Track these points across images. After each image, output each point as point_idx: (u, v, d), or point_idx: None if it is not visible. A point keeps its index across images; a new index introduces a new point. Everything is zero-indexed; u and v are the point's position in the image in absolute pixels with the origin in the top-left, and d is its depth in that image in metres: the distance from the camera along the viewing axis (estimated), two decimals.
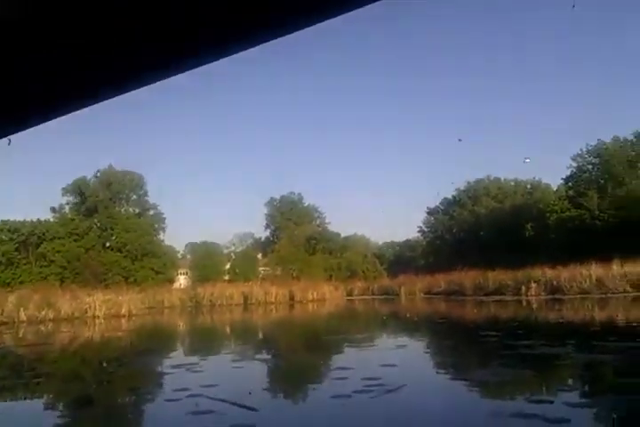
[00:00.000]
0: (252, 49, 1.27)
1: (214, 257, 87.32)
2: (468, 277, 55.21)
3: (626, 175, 67.07)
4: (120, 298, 39.66)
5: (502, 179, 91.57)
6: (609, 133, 71.36)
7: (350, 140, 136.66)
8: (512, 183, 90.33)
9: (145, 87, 1.48)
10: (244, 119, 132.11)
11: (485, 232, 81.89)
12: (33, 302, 34.55)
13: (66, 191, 74.77)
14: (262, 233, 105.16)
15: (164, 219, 79.40)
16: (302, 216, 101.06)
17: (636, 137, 69.20)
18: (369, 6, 1.23)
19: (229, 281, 74.66)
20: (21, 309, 33.46)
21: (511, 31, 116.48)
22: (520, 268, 48.89)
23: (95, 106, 1.55)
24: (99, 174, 76.43)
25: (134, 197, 78.96)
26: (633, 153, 69.26)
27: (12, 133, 1.61)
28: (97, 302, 36.88)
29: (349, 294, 70.33)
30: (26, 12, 1.15)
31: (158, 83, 1.44)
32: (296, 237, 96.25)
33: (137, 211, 79.35)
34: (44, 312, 34.20)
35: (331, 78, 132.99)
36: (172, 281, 78.76)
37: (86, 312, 36.74)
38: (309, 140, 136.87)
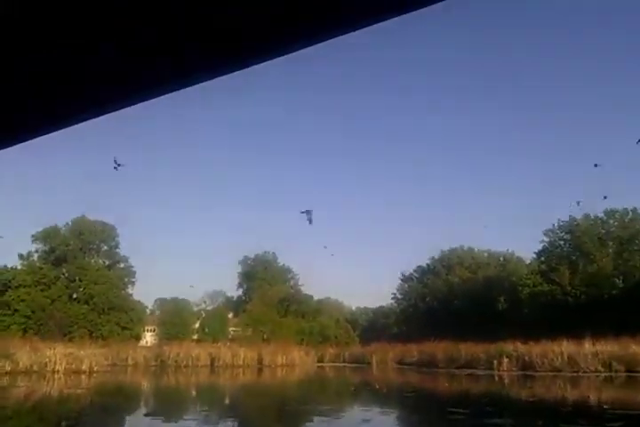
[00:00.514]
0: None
1: (184, 315, 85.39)
2: (440, 349, 54.66)
3: (596, 252, 68.53)
4: (82, 353, 38.36)
5: (476, 249, 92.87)
6: (579, 209, 73.19)
7: (328, 206, 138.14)
8: (485, 254, 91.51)
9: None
10: (221, 176, 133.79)
11: (459, 302, 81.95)
12: None
13: (36, 239, 73.29)
14: (234, 292, 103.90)
15: (134, 272, 78.18)
16: (276, 276, 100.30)
17: (606, 215, 71.33)
18: None
19: (198, 340, 72.75)
20: None
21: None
22: (492, 341, 48.73)
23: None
24: (70, 223, 75.61)
25: (105, 248, 77.97)
26: (603, 231, 71.18)
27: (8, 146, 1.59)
28: (58, 355, 35.61)
29: (320, 360, 68.80)
30: (22, 12, 1.13)
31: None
32: (269, 298, 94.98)
33: (107, 263, 78.04)
34: (0, 364, 32.85)
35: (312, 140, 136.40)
36: (138, 338, 76.50)
37: (46, 366, 35.37)
38: (285, 203, 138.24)
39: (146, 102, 1.32)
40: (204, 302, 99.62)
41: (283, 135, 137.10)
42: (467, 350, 50.91)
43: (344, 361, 67.89)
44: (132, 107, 1.37)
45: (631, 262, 65.82)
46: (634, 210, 69.95)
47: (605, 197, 55.31)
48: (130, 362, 50.58)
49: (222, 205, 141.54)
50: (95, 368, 38.30)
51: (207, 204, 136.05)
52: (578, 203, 67.62)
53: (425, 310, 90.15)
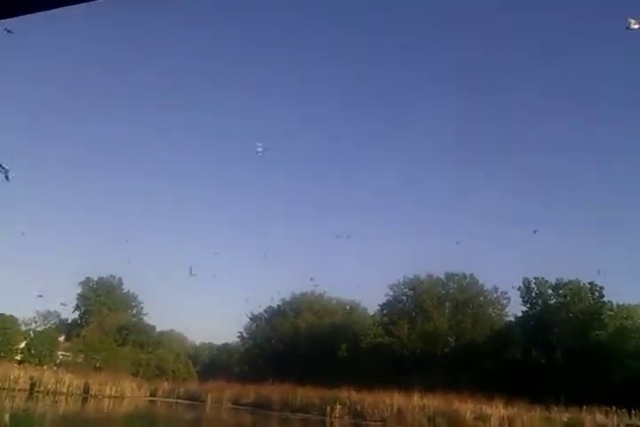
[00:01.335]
0: None
1: (8, 332, 77.67)
2: (278, 391, 54.71)
3: (434, 311, 73.35)
4: None
5: (326, 296, 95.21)
6: (425, 266, 77.84)
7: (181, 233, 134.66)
8: (334, 302, 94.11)
9: None
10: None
11: (303, 347, 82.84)
12: None
13: None
14: (70, 314, 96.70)
15: None
16: (118, 302, 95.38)
17: (446, 277, 76.97)
18: None
19: (21, 362, 66.39)
20: None
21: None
22: (330, 387, 49.75)
23: None
24: None
25: None
26: (443, 292, 76.59)
27: None
28: None
29: (153, 394, 65.65)
30: None
31: None
32: (107, 325, 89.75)
33: None
34: None
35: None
36: None
37: None
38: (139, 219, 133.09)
39: None
40: (35, 322, 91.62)
41: None
42: (304, 394, 51.48)
43: (178, 397, 65.29)
44: None
45: (464, 324, 71.19)
46: (471, 275, 76.20)
47: (458, 243, 62.07)
48: None
49: (66, 218, 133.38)
50: None
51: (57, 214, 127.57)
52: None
53: (270, 351, 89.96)
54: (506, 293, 74.85)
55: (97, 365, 73.66)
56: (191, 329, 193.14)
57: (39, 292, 77.56)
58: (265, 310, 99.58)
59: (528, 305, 69.37)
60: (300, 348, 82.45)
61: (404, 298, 78.77)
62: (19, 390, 47.54)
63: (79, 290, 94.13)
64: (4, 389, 46.68)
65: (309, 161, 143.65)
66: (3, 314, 79.87)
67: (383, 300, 78.93)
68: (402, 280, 78.40)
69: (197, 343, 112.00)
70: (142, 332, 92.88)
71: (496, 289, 75.29)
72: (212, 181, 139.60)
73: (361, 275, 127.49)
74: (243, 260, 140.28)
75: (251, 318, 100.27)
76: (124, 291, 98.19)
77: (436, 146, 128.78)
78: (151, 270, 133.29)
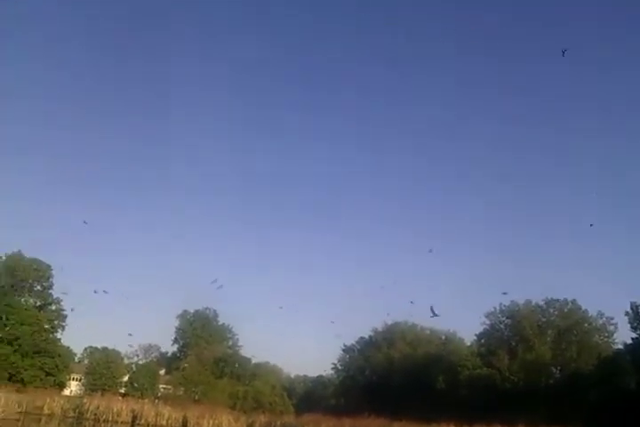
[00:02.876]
0: None
1: (113, 366, 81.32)
2: (374, 425, 52.97)
3: (535, 339, 69.31)
4: None
5: (419, 326, 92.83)
6: (523, 292, 74.10)
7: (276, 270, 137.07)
8: (428, 331, 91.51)
9: None
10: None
11: (398, 378, 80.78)
12: None
13: None
14: (170, 347, 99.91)
15: (65, 316, 74.39)
16: (214, 335, 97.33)
17: (546, 303, 72.69)
18: None
19: (125, 395, 68.97)
20: None
21: None
22: (427, 421, 47.71)
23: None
24: (4, 258, 72.40)
25: (38, 287, 74.41)
26: (544, 319, 72.33)
27: None
28: None
29: (250, 426, 65.75)
30: None
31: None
32: (205, 357, 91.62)
33: (38, 303, 74.23)
34: None
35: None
36: (62, 386, 71.97)
37: None
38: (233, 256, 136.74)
39: None
40: (137, 356, 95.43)
41: None
42: None
43: None
44: None
45: (568, 353, 66.73)
46: (573, 301, 71.62)
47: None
48: (46, 411, 47.26)
49: (168, 251, 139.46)
50: (1, 416, 35.44)
51: (155, 247, 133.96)
52: None
53: (364, 383, 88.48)
54: (612, 318, 69.58)
55: (196, 397, 75.14)
56: (285, 361, 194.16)
57: (131, 331, 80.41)
58: (357, 341, 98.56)
59: (639, 331, 64.01)
60: (395, 379, 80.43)
61: (502, 327, 75.10)
62: (121, 422, 49.04)
63: (177, 323, 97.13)
64: (107, 421, 48.32)
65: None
66: (107, 348, 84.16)
67: (479, 329, 75.67)
68: (498, 308, 74.93)
69: (292, 375, 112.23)
70: (238, 364, 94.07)
71: (601, 315, 70.13)
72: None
73: (455, 303, 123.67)
74: (333, 290, 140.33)
75: (344, 350, 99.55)
76: (220, 323, 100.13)
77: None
78: (244, 303, 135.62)
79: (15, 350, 66.80)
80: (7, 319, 68.79)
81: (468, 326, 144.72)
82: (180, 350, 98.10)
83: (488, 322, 75.55)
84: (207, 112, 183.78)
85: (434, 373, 75.24)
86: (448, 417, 47.26)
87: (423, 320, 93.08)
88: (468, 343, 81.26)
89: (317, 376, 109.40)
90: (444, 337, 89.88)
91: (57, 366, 70.37)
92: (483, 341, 75.46)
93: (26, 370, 66.10)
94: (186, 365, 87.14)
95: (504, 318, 74.87)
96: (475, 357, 72.42)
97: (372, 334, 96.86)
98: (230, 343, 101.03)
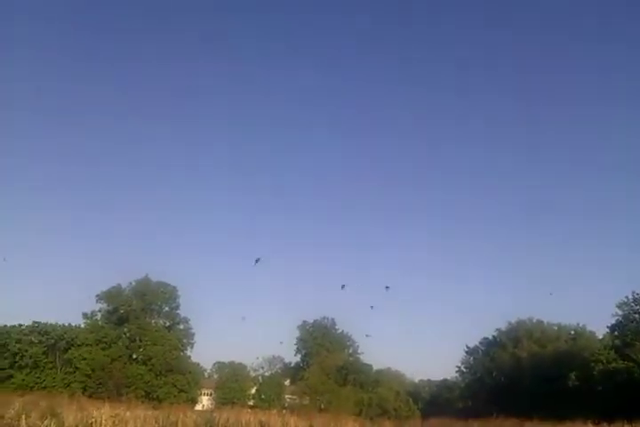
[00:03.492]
0: None
1: (240, 379, 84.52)
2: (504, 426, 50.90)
3: None
4: (128, 414, 37.76)
5: (545, 322, 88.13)
6: None
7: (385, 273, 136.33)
8: (555, 328, 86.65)
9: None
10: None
11: (526, 378, 77.09)
12: (38, 410, 33.06)
13: (100, 298, 74.69)
14: (292, 358, 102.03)
15: (193, 334, 78.05)
16: (334, 343, 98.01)
17: None
18: None
19: (253, 406, 71.26)
20: (23, 416, 31.99)
21: None
22: (561, 420, 45.06)
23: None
24: (134, 283, 76.93)
25: (166, 309, 78.38)
26: None
27: None
28: (104, 416, 35.13)
29: None
30: None
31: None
32: (326, 366, 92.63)
33: (167, 324, 78.33)
34: (46, 422, 32.68)
35: None
36: (195, 401, 75.61)
37: (91, 426, 34.98)
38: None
39: None
40: (262, 368, 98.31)
41: None
42: None
43: None
44: None
45: None
46: None
47: None
48: (179, 426, 49.74)
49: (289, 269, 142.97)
50: None
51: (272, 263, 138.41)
52: None
53: (491, 384, 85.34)
54: None
55: (321, 406, 76.07)
56: (407, 366, 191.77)
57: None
58: (480, 342, 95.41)
59: None
60: (524, 379, 76.81)
61: (637, 316, 69.49)
62: None
63: (297, 334, 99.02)
64: None
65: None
66: (233, 362, 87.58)
67: (611, 321, 70.48)
68: (631, 297, 69.43)
69: (416, 380, 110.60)
70: (360, 371, 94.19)
71: None
72: None
73: (583, 296, 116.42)
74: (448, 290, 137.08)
75: (467, 352, 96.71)
76: (339, 331, 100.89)
77: None
78: (360, 308, 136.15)
79: (149, 370, 71.32)
80: (140, 341, 73.68)
81: (596, 320, 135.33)
82: (302, 360, 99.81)
83: (620, 313, 70.23)
84: None
85: (565, 370, 71.04)
86: (584, 415, 44.40)
87: (549, 316, 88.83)
88: (600, 337, 75.95)
89: (442, 380, 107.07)
90: (572, 332, 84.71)
91: (188, 383, 74.17)
92: (616, 333, 70.18)
93: (160, 388, 70.28)
94: (309, 374, 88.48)
95: (638, 308, 69.28)
96: (608, 350, 67.50)
97: (495, 333, 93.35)
98: (351, 351, 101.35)
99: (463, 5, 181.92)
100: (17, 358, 67.60)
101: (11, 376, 66.60)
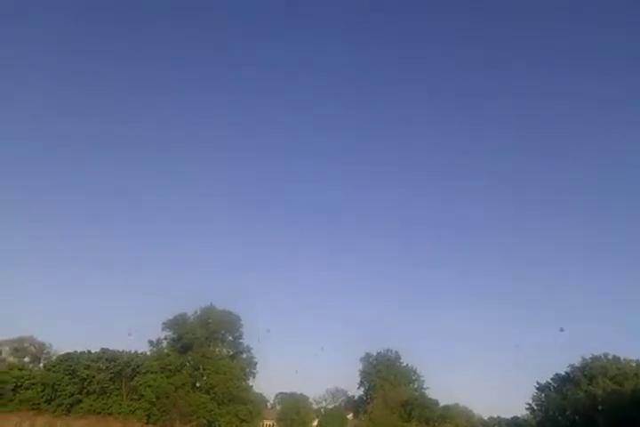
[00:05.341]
0: None
1: (302, 411, 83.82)
2: None
3: None
4: None
5: (622, 358, 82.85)
6: None
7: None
8: (634, 364, 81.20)
9: None
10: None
11: (603, 418, 72.41)
12: None
13: (166, 326, 76.10)
14: (355, 391, 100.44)
15: (256, 363, 78.09)
16: (399, 377, 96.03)
17: None
18: None
19: None
20: None
21: None
22: None
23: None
24: (199, 312, 78.11)
25: (230, 337, 78.94)
26: None
27: None
28: None
29: None
30: None
31: None
32: (391, 400, 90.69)
33: (230, 352, 78.76)
34: None
35: None
36: None
37: None
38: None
39: None
40: (325, 400, 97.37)
41: None
42: None
43: None
44: None
45: None
46: None
47: None
48: None
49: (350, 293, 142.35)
50: None
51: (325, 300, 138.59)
52: None
53: (564, 423, 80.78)
54: None
55: None
56: (477, 402, 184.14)
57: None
58: (552, 379, 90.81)
59: None
60: (599, 418, 72.18)
61: None
62: None
63: (360, 366, 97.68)
64: None
65: None
66: (295, 393, 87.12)
67: None
68: None
69: (485, 418, 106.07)
70: (426, 406, 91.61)
71: None
72: None
73: None
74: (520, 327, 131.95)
75: (538, 388, 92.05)
76: (404, 365, 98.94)
77: None
78: (429, 343, 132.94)
79: (212, 398, 71.99)
80: (204, 369, 74.71)
81: None
82: (365, 393, 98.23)
83: None
84: None
85: None
86: None
87: (627, 352, 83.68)
88: None
89: (512, 418, 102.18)
90: None
91: (250, 413, 74.21)
92: None
93: (222, 417, 70.69)
94: (372, 408, 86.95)
95: None
96: None
97: (568, 370, 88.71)
98: (416, 386, 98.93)
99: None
100: (85, 384, 70.07)
101: (80, 401, 68.98)
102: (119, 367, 72.03)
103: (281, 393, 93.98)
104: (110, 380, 71.33)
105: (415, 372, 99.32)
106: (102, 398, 70.01)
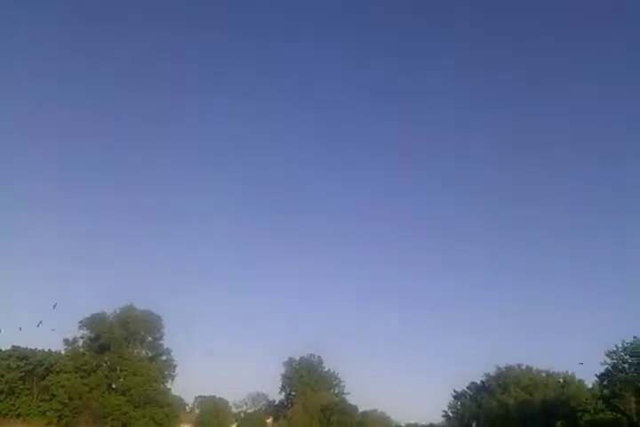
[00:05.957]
0: None
1: (221, 415, 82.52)
2: None
3: None
4: None
5: (534, 369, 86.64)
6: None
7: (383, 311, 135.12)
8: (544, 374, 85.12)
9: None
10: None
11: (513, 425, 75.39)
12: None
13: (82, 325, 72.73)
14: (277, 395, 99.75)
15: (175, 366, 75.64)
16: (320, 382, 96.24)
17: None
18: None
19: None
20: None
21: None
22: None
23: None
24: (118, 311, 75.06)
25: (149, 338, 76.32)
26: None
27: None
28: None
29: None
30: None
31: None
32: (311, 405, 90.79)
33: (149, 354, 76.18)
34: None
35: None
36: None
37: None
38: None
39: None
40: (245, 405, 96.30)
41: None
42: None
43: None
44: None
45: None
46: None
47: None
48: None
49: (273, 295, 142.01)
50: None
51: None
52: None
53: None
54: None
55: None
56: (393, 409, 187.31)
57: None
58: (468, 387, 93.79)
59: None
60: (510, 426, 75.15)
61: (626, 366, 68.24)
62: None
63: (283, 370, 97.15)
64: None
65: None
66: (214, 396, 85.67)
67: (601, 369, 69.20)
68: (620, 346, 68.32)
69: (403, 424, 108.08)
70: (345, 412, 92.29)
71: None
72: None
73: (570, 343, 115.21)
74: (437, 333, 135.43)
75: (454, 396, 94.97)
76: (325, 370, 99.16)
77: None
78: (350, 348, 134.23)
79: (128, 401, 69.43)
80: (120, 371, 71.93)
81: (586, 368, 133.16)
82: (286, 398, 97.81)
83: (610, 361, 69.00)
84: None
85: (552, 419, 69.58)
86: None
87: (538, 362, 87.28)
88: (590, 385, 74.52)
89: (429, 424, 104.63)
90: (562, 380, 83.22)
91: (167, 416, 72.17)
92: (605, 382, 68.82)
93: (137, 420, 68.40)
94: (292, 413, 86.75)
95: (627, 357, 68.12)
96: (597, 400, 66.21)
97: (483, 378, 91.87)
98: (337, 391, 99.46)
99: None
100: None
101: None
102: (31, 366, 68.35)
103: (200, 397, 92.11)
104: (20, 379, 67.58)
105: (337, 377, 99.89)
106: (10, 399, 66.27)
